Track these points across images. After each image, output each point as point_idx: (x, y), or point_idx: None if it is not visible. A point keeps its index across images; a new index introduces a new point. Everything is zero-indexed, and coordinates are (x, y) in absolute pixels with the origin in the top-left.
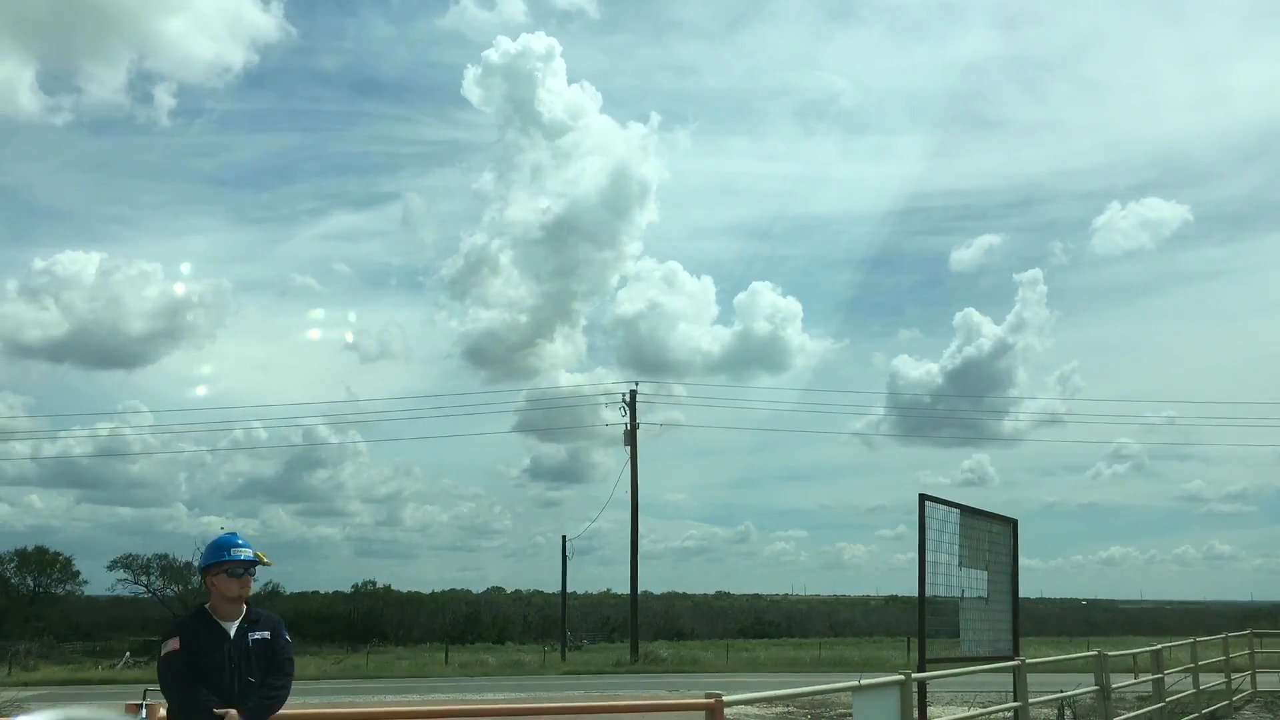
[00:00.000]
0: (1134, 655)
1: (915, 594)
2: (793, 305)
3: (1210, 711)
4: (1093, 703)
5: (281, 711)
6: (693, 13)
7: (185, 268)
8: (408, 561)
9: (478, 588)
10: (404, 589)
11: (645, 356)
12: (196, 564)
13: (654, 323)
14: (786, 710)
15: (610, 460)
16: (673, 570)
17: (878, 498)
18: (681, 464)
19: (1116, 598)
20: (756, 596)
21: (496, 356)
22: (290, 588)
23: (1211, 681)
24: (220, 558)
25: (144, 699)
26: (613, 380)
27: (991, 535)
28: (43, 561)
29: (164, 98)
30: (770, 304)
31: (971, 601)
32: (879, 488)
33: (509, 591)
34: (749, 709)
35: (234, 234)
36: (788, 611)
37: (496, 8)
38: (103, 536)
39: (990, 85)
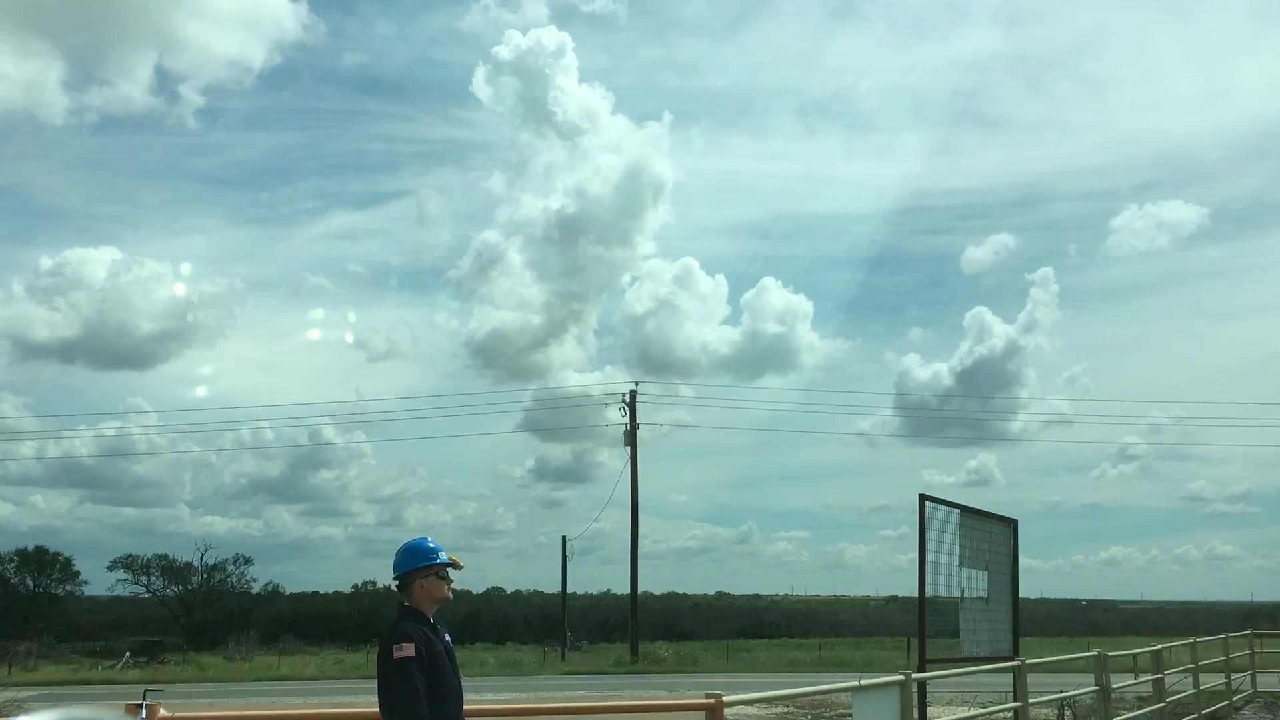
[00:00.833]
0: (1134, 655)
1: (915, 594)
2: (801, 304)
3: (1210, 712)
4: (1093, 703)
5: (282, 713)
6: (695, 11)
7: (186, 268)
8: None
9: (478, 588)
10: None
11: (652, 356)
12: (393, 571)
13: (661, 322)
14: (786, 710)
15: (615, 461)
16: (673, 570)
17: (881, 498)
18: (686, 464)
19: (1117, 598)
20: (757, 597)
21: (503, 356)
22: (291, 588)
23: (1212, 682)
24: (432, 560)
25: (144, 699)
26: (620, 380)
27: (992, 536)
28: (43, 562)
29: (171, 96)
30: (778, 302)
31: (972, 602)
32: (882, 488)
33: (509, 592)
34: (749, 709)
35: (234, 233)
36: (788, 612)
37: (498, 6)
38: (105, 536)
39: (993, 83)
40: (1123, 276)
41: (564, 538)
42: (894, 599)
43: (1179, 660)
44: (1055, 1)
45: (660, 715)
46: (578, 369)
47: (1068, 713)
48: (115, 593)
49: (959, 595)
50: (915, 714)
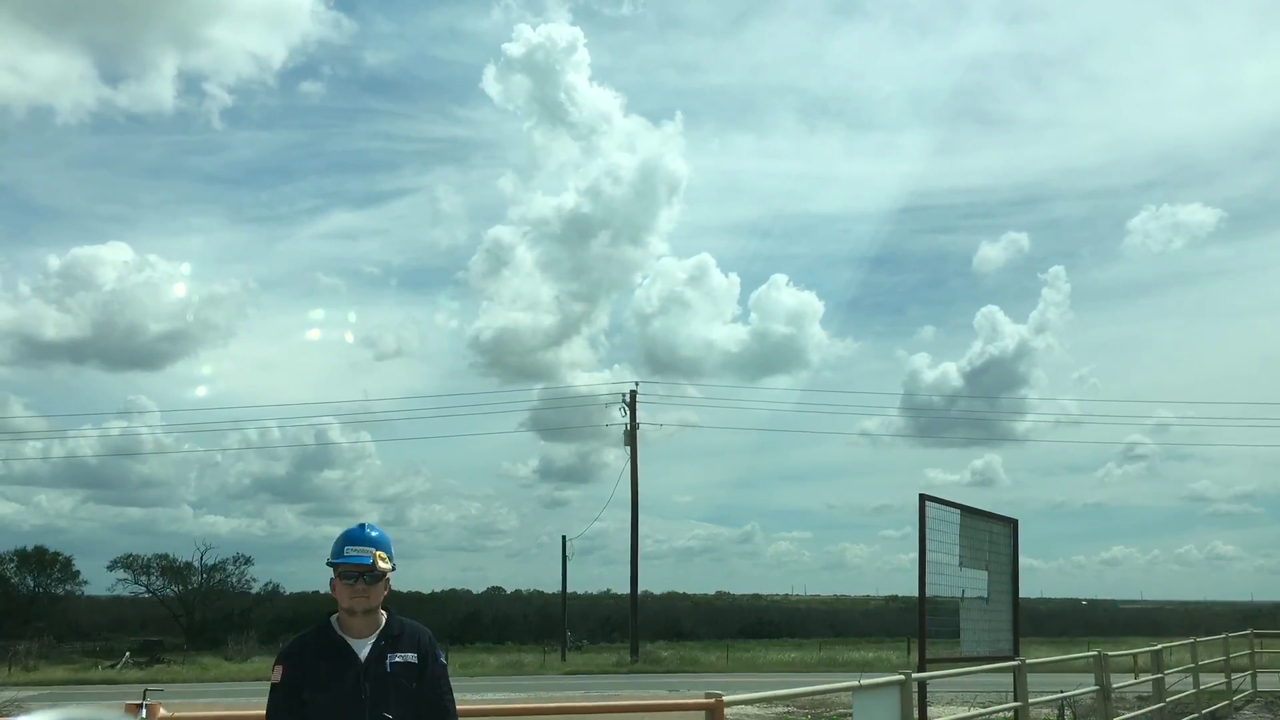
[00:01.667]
0: (1134, 655)
1: (916, 594)
2: (808, 303)
3: (1210, 711)
4: (1093, 703)
5: None
6: (696, 9)
7: (188, 268)
8: (411, 562)
9: (478, 588)
10: (404, 589)
11: (658, 355)
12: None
13: (667, 321)
14: (786, 710)
15: (618, 461)
16: (674, 570)
17: (883, 497)
18: (691, 464)
19: (1117, 598)
20: (756, 597)
21: (509, 356)
22: (292, 587)
23: (1212, 682)
24: (333, 557)
25: (144, 699)
26: (627, 380)
27: (992, 535)
28: (43, 562)
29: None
30: (786, 301)
31: (972, 602)
32: (886, 487)
33: (509, 592)
34: (749, 709)
35: (235, 233)
36: (788, 612)
37: (500, 4)
38: (108, 536)
39: (996, 82)
40: (1125, 276)
41: (564, 538)
42: (894, 599)
43: (1179, 660)
44: None
45: (660, 715)
46: (584, 368)
47: (1068, 713)
48: (115, 592)
49: (959, 595)
50: (915, 714)
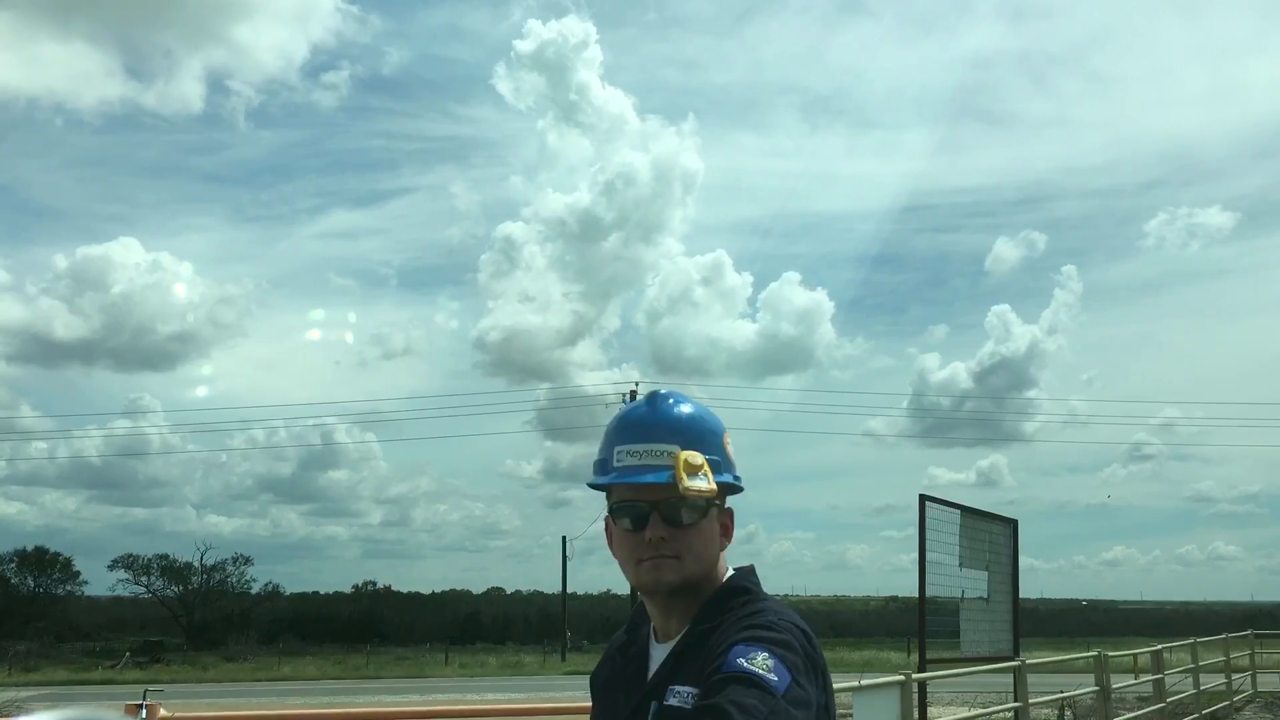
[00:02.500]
0: (1134, 656)
1: (916, 595)
2: (817, 301)
3: (1210, 712)
4: (1093, 703)
5: (282, 713)
6: (698, 7)
7: (189, 267)
8: (413, 562)
9: (478, 588)
10: (405, 589)
11: (665, 355)
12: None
13: (672, 320)
14: None
15: None
16: None
17: (886, 498)
18: None
19: (1116, 598)
20: None
21: (514, 355)
22: (295, 588)
23: (1212, 682)
24: (597, 473)
25: (144, 699)
26: (633, 380)
27: (992, 536)
28: (43, 562)
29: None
30: (792, 301)
31: (972, 602)
32: (889, 488)
33: (509, 592)
34: None
35: (236, 232)
36: None
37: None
38: (111, 536)
39: (999, 80)
40: (1128, 275)
41: (564, 538)
42: (894, 599)
43: (1179, 661)
44: None
45: None
46: (590, 368)
47: (1068, 713)
48: (116, 593)
49: (959, 595)
50: (915, 714)
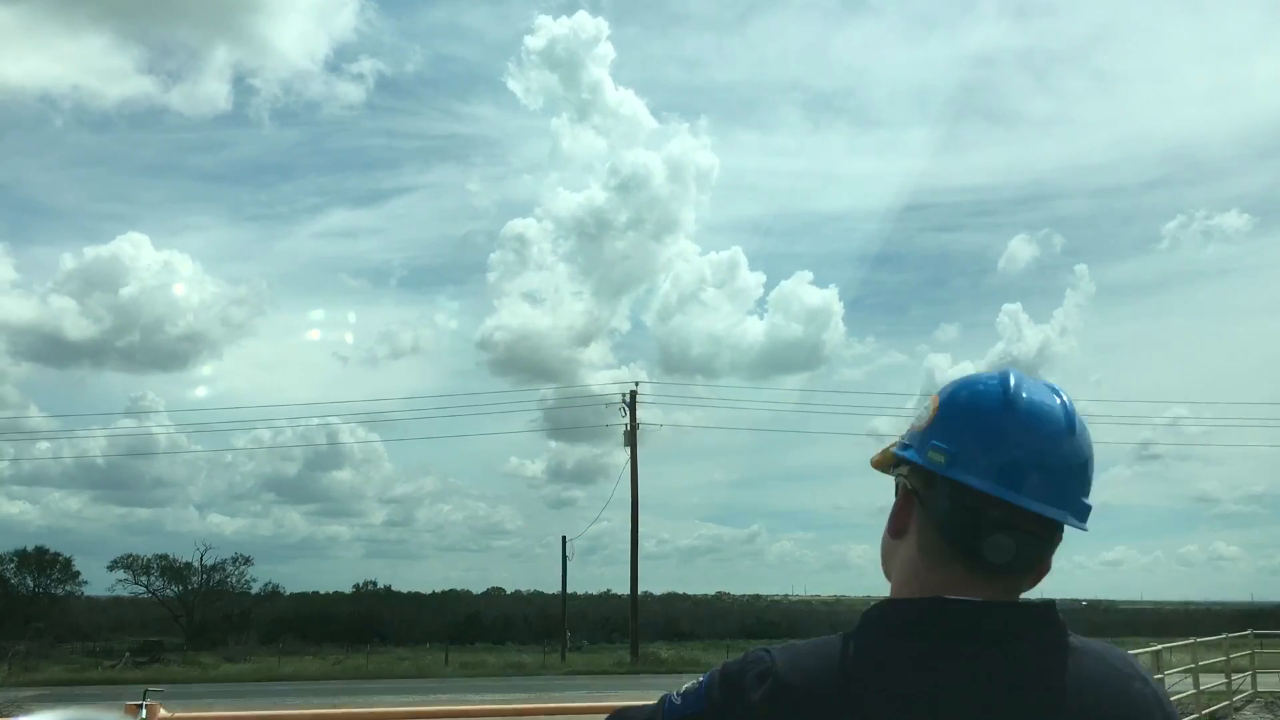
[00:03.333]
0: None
1: None
2: (826, 300)
3: (1210, 712)
4: None
5: (282, 713)
6: (701, 5)
7: (192, 268)
8: (415, 562)
9: (478, 588)
10: (405, 589)
11: (671, 354)
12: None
13: (679, 319)
14: None
15: (625, 460)
16: (675, 571)
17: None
18: (700, 463)
19: (1116, 598)
20: (756, 597)
21: (519, 355)
22: (296, 588)
23: (1212, 682)
24: (961, 469)
25: (144, 699)
26: (641, 379)
27: None
28: (42, 562)
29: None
30: (802, 299)
31: None
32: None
33: (509, 592)
34: None
35: (236, 231)
36: (788, 612)
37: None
38: (114, 536)
39: (1002, 78)
40: (1131, 274)
41: (564, 538)
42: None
43: (1179, 661)
44: None
45: None
46: (596, 368)
47: None
48: (115, 593)
49: None
50: None
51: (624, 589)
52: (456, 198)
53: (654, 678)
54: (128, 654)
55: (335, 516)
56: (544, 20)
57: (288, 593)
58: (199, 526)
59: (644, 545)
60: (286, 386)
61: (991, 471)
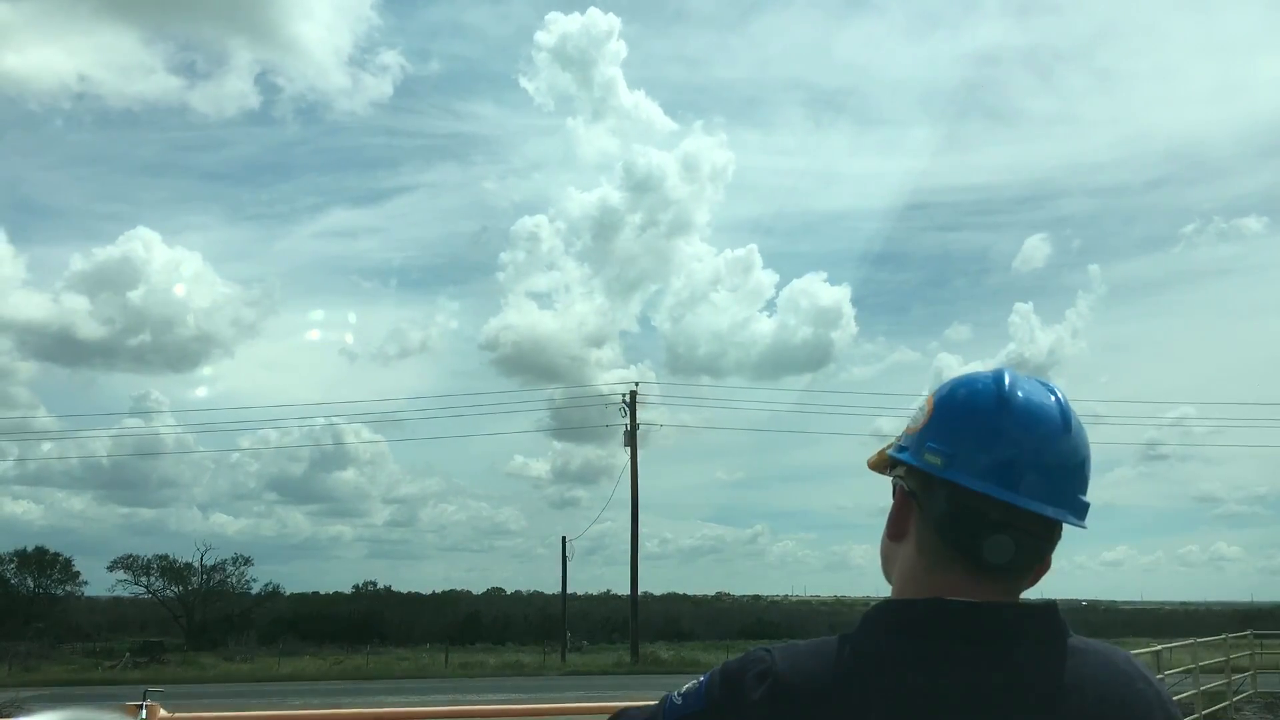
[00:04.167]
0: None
1: None
2: (837, 299)
3: (1210, 713)
4: None
5: (282, 713)
6: (702, 3)
7: (197, 268)
8: (417, 562)
9: (478, 588)
10: (405, 590)
11: (678, 354)
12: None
13: (685, 318)
14: None
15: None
16: (674, 571)
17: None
18: (704, 463)
19: (1116, 598)
20: (757, 597)
21: (525, 355)
22: (296, 588)
23: (1212, 682)
24: (958, 469)
25: (144, 700)
26: (647, 379)
27: None
28: (42, 562)
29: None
30: (810, 298)
31: None
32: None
33: (509, 592)
34: None
35: (236, 231)
36: (788, 612)
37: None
38: (118, 537)
39: (1005, 76)
40: (1134, 273)
41: (564, 538)
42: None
43: (1179, 661)
44: None
45: None
46: (601, 367)
47: None
48: (115, 593)
49: None
50: None
51: (624, 589)
52: (464, 196)
53: (654, 678)
54: (128, 654)
55: (338, 516)
56: (556, 16)
57: (288, 593)
58: (202, 526)
59: (646, 545)
60: (292, 386)
61: (989, 472)
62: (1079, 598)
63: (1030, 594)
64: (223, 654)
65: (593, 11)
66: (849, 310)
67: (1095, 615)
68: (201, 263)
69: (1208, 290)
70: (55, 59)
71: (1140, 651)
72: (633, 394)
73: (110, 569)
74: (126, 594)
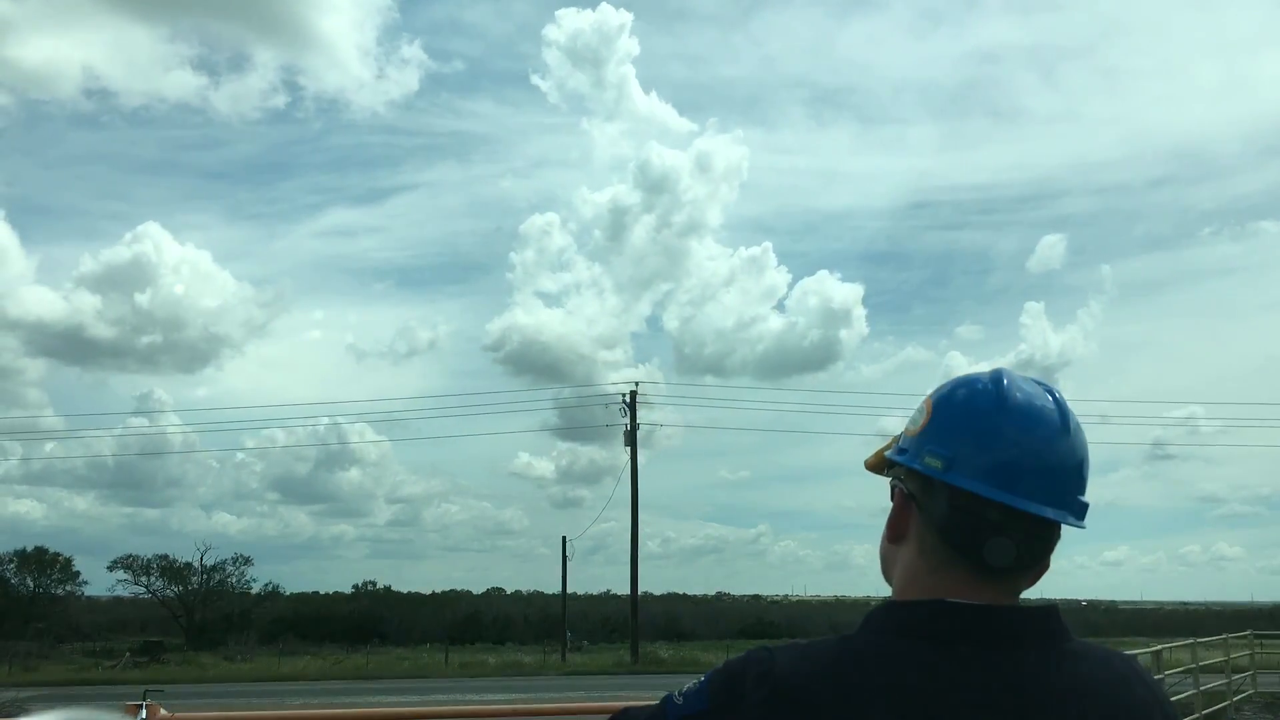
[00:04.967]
0: (1134, 656)
1: None
2: (846, 298)
3: (1210, 713)
4: None
5: (282, 713)
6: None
7: (195, 268)
8: (419, 562)
9: (478, 588)
10: (405, 590)
11: (684, 354)
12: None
13: (691, 318)
14: None
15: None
16: (674, 571)
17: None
18: (706, 464)
19: (1116, 598)
20: (756, 597)
21: (530, 355)
22: (296, 588)
23: (1212, 683)
24: (957, 472)
25: (144, 699)
26: (654, 379)
27: None
28: (42, 562)
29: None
30: (819, 297)
31: None
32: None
33: (509, 592)
34: None
35: (235, 230)
36: (788, 612)
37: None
38: (118, 536)
39: (1008, 74)
40: (1136, 273)
41: (564, 538)
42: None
43: (1179, 661)
44: None
45: None
46: (610, 367)
47: None
48: (116, 593)
49: None
50: None
51: (624, 589)
52: (465, 195)
53: (654, 678)
54: (128, 654)
55: (340, 516)
56: (568, 12)
57: (287, 593)
58: (205, 526)
59: (648, 545)
60: (294, 386)
61: (989, 474)
62: (1079, 598)
63: (1030, 593)
64: (223, 654)
65: (604, 7)
66: (859, 310)
67: (1095, 615)
68: (210, 262)
69: (1211, 289)
70: (63, 52)
71: (1140, 651)
72: (632, 394)
73: (110, 569)
74: (126, 594)
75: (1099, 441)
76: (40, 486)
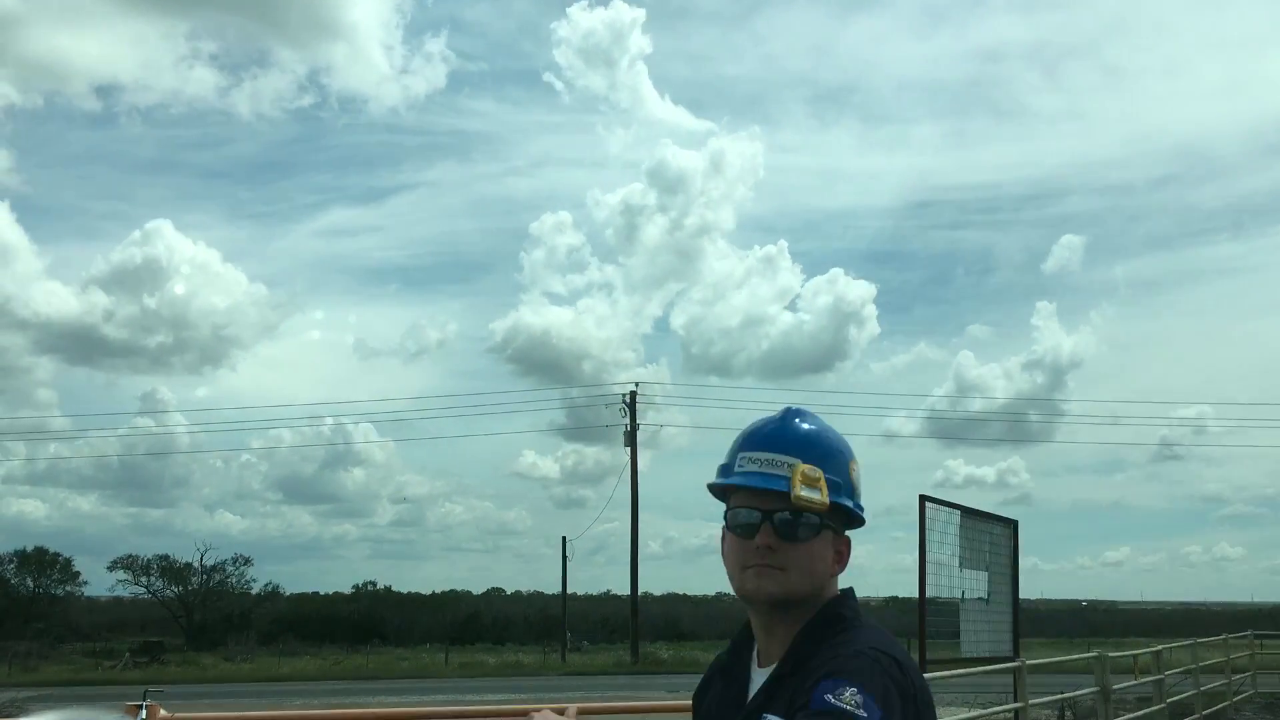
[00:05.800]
0: (1134, 656)
1: (916, 595)
2: (853, 297)
3: (1211, 713)
4: (1093, 704)
5: (282, 714)
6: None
7: (197, 268)
8: (420, 562)
9: (478, 588)
10: (405, 590)
11: (692, 354)
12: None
13: (700, 318)
14: None
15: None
16: (675, 571)
17: (892, 498)
18: (710, 464)
19: (1117, 599)
20: None
21: (535, 355)
22: (297, 588)
23: (1212, 683)
24: (718, 475)
25: (144, 700)
26: (661, 379)
27: (992, 536)
28: (42, 562)
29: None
30: (821, 298)
31: (972, 603)
32: (903, 487)
33: (509, 592)
34: None
35: (236, 229)
36: None
37: None
38: (120, 536)
39: (1011, 73)
40: (1138, 272)
41: (564, 538)
42: (894, 599)
43: (1179, 661)
44: None
45: (660, 716)
46: (615, 367)
47: (1068, 714)
48: (116, 593)
49: (959, 596)
50: None
51: (624, 589)
52: (474, 194)
53: (654, 678)
54: (128, 654)
55: (342, 516)
56: (579, 9)
57: (287, 593)
58: (207, 526)
59: (650, 546)
60: (300, 386)
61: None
62: (1079, 598)
63: (1031, 594)
64: (223, 654)
65: (617, 4)
66: (870, 309)
67: (1096, 615)
68: (211, 263)
69: (1212, 289)
70: (74, 49)
71: (1140, 651)
72: (633, 394)
73: (110, 569)
74: (126, 594)
75: (1101, 442)
76: (44, 487)
